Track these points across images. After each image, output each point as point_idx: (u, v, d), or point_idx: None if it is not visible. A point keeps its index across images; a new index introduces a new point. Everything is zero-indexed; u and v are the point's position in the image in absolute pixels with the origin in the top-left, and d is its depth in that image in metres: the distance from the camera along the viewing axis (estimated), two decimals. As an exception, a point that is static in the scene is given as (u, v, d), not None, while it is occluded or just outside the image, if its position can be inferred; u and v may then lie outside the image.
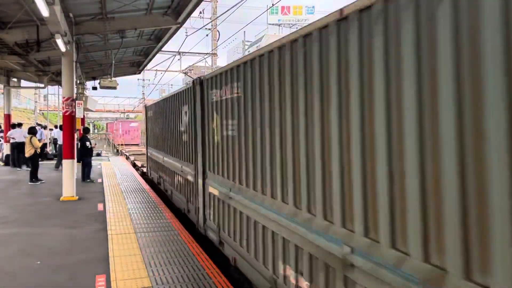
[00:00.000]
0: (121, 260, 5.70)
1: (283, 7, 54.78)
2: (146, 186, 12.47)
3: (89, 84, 22.94)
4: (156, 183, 12.97)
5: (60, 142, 15.90)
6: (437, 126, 2.20)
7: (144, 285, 4.85)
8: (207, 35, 24.54)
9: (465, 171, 2.05)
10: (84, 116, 20.78)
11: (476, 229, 2.00)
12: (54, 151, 20.01)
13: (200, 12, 26.54)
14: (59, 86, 20.85)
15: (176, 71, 28.45)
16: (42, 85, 19.10)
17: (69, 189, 10.34)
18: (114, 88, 15.67)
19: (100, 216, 8.40)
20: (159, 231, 7.30)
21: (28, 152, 12.78)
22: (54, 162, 17.42)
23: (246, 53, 54.69)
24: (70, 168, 10.42)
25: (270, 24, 55.66)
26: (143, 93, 47.98)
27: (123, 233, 7.14)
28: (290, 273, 3.84)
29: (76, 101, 11.26)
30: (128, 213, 8.71)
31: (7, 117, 18.33)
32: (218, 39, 24.64)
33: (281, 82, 4.01)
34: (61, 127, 14.41)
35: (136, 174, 15.49)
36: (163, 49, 16.72)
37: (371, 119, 2.71)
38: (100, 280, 4.98)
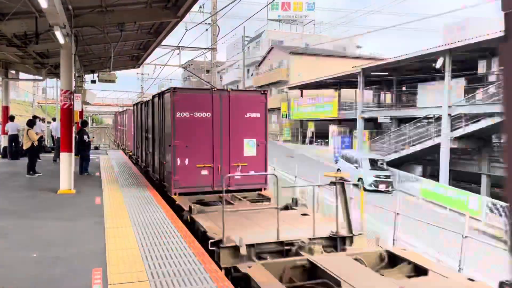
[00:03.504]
0: (117, 254, 5.69)
1: (283, 3, 54.60)
2: (144, 180, 12.46)
3: (88, 77, 22.86)
4: None
5: (58, 135, 15.86)
6: None
7: (140, 279, 4.84)
8: (206, 30, 24.43)
9: None
10: (82, 109, 20.72)
11: None
12: (52, 144, 19.96)
13: (200, 7, 26.45)
14: (58, 79, 20.76)
15: (175, 66, 28.32)
16: (41, 78, 19.01)
17: (66, 182, 10.32)
18: (113, 81, 15.66)
19: (97, 210, 8.39)
20: (156, 225, 7.29)
21: (26, 144, 12.75)
22: (52, 155, 17.38)
23: (246, 49, 54.56)
24: (68, 161, 10.39)
25: (270, 19, 55.48)
26: (142, 87, 47.87)
27: (120, 226, 7.13)
28: None
29: (75, 94, 11.21)
30: (126, 206, 8.70)
31: (5, 109, 18.26)
32: (218, 34, 24.52)
33: None
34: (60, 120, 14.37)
35: (134, 168, 15.47)
36: (162, 43, 16.65)
37: None
38: (97, 273, 4.97)
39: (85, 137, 13.43)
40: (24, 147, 12.96)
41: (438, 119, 23.27)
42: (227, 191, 7.23)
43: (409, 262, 5.84)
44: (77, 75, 15.87)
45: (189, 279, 4.86)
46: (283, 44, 50.61)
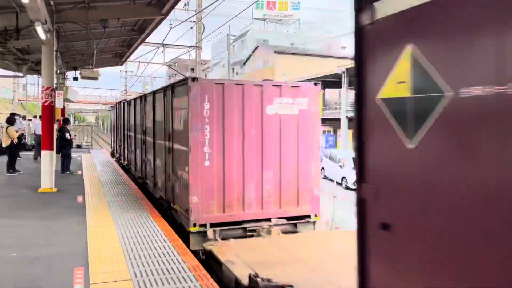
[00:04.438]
0: (100, 253, 5.62)
1: (268, 2, 54.62)
2: (127, 178, 12.33)
3: (70, 74, 22.51)
4: None
5: (38, 132, 15.58)
6: None
7: (123, 278, 4.79)
8: (191, 28, 24.28)
9: None
10: (64, 107, 20.39)
11: None
12: (33, 142, 19.61)
13: (185, 4, 26.23)
14: (39, 76, 20.40)
15: (159, 64, 28.11)
16: (21, 75, 18.66)
17: (47, 181, 10.15)
18: (96, 78, 15.40)
19: (79, 208, 8.27)
20: (139, 223, 7.22)
21: (5, 142, 12.50)
22: (32, 153, 17.07)
23: (231, 47, 54.55)
24: (49, 159, 10.22)
25: (255, 18, 55.47)
26: (125, 85, 47.36)
27: (102, 225, 7.04)
28: None
29: (56, 91, 11.02)
30: (108, 205, 8.59)
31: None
32: (202, 32, 24.40)
33: None
34: (40, 118, 14.13)
35: (117, 166, 15.31)
36: (146, 40, 16.49)
37: None
38: (78, 273, 4.90)
39: (67, 135, 13.22)
40: (4, 145, 12.71)
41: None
42: None
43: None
44: (58, 72, 15.62)
45: (172, 277, 4.83)
46: (268, 43, 50.69)
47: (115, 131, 19.11)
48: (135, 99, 12.62)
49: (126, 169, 14.27)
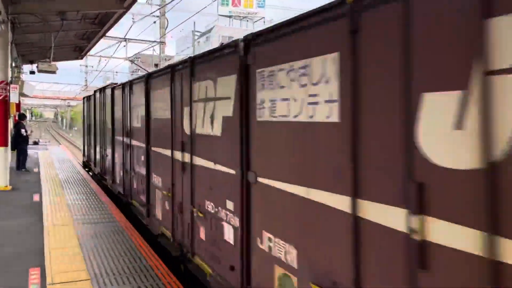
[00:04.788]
0: (57, 253, 5.45)
1: (234, -1, 54.53)
2: (86, 176, 12.00)
3: (26, 68, 21.58)
4: None
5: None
6: None
7: (81, 278, 4.67)
8: (154, 22, 23.88)
9: None
10: (19, 101, 19.52)
11: None
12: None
13: (148, -2, 25.73)
14: (-8, 69, 19.42)
15: (121, 58, 27.42)
16: (-27, 67, 17.69)
17: (1, 179, 9.75)
18: (54, 72, 14.87)
19: (35, 207, 7.98)
20: (100, 222, 7.05)
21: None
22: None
23: (196, 44, 54.04)
24: (3, 156, 9.81)
25: (220, 15, 55.23)
26: (86, 80, 45.97)
27: (60, 224, 6.82)
28: None
29: (11, 85, 10.54)
30: (67, 204, 8.34)
31: None
32: (166, 27, 24.05)
33: None
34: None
35: (76, 163, 14.86)
36: (107, 34, 16.06)
37: None
38: (34, 273, 4.74)
39: (23, 130, 12.70)
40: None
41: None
42: None
43: None
44: (14, 65, 14.96)
45: (134, 276, 4.75)
46: (233, 40, 50.68)
47: (92, 134, 13.08)
48: (148, 77, 6.62)
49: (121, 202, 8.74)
